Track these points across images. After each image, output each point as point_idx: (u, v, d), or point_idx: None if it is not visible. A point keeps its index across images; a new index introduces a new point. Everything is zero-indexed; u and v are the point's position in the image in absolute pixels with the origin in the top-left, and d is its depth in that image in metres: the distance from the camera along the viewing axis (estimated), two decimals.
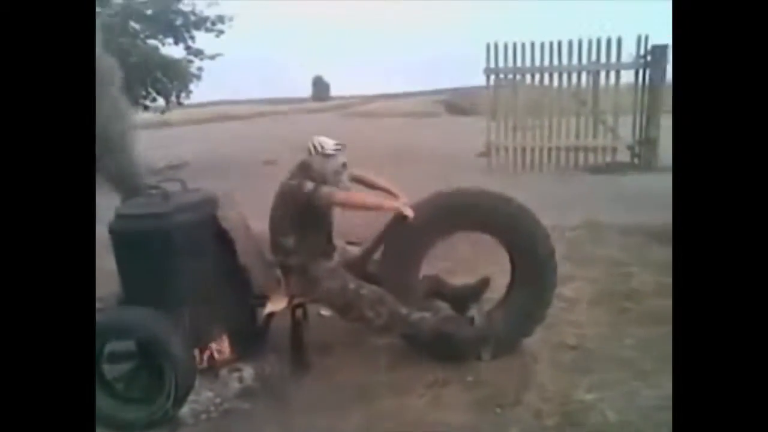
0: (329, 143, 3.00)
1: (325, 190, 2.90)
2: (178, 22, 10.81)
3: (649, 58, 8.63)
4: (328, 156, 2.98)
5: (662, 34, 8.33)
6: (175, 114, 15.25)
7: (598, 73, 8.85)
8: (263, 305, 3.11)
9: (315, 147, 2.99)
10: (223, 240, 3.02)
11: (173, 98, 11.44)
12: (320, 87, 54.90)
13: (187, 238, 2.87)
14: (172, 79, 10.98)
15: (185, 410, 2.68)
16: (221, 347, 3.03)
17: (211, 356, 2.99)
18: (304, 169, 3.02)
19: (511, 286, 3.20)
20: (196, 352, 2.89)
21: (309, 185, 2.90)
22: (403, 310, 2.95)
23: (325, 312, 3.37)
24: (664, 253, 4.63)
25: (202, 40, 11.34)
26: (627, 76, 8.93)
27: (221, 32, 11.37)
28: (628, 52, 8.79)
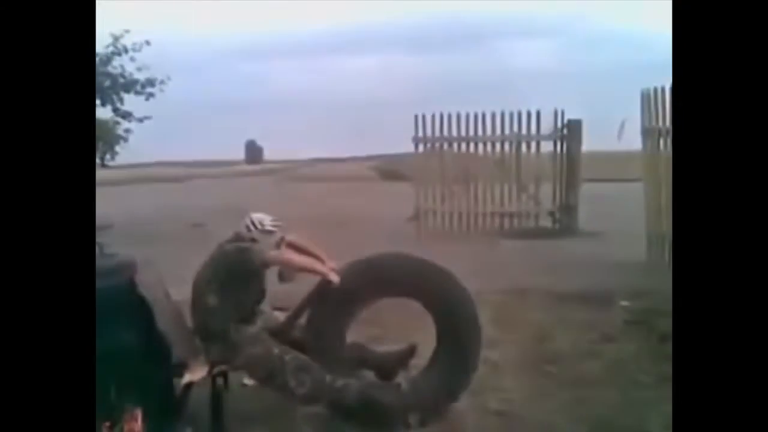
0: (267, 220, 3.06)
1: (259, 248, 2.95)
2: (106, 84, 10.66)
3: (565, 131, 9.23)
4: (264, 232, 3.03)
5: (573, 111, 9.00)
6: (99, 175, 14.77)
7: (519, 143, 9.35)
8: (181, 375, 2.96)
9: (253, 223, 3.03)
10: (139, 307, 2.89)
11: (97, 159, 11.12)
12: (253, 151, 54.90)
13: (100, 305, 2.71)
14: (97, 140, 10.70)
15: None
16: (133, 423, 2.83)
17: None
18: (239, 238, 3.05)
19: (437, 352, 3.20)
20: (104, 427, 2.69)
21: (244, 244, 2.97)
22: (328, 378, 2.89)
23: (248, 381, 3.25)
24: (584, 316, 4.82)
25: (132, 101, 11.21)
26: (547, 147, 9.49)
27: (151, 95, 11.28)
28: (547, 125, 9.36)
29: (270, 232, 3.04)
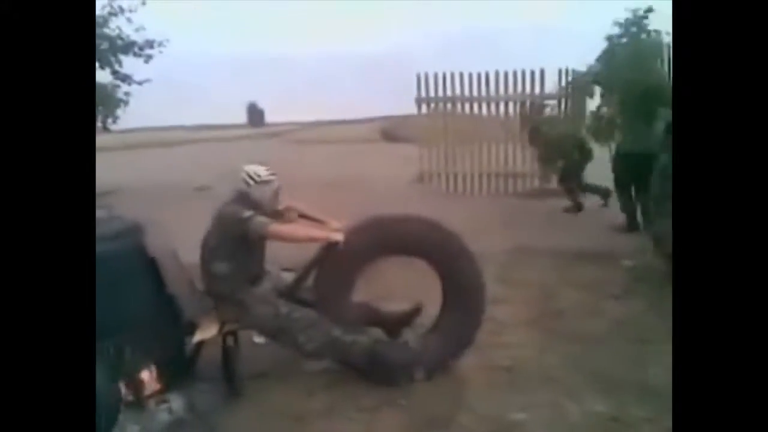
0: (262, 171, 3.08)
1: (260, 220, 2.92)
2: (104, 46, 10.50)
3: (570, 89, 9.09)
4: (262, 183, 3.05)
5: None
6: (101, 140, 14.67)
7: (524, 103, 9.24)
8: (192, 333, 3.02)
9: (249, 176, 3.05)
10: (149, 268, 2.93)
11: (99, 123, 11.05)
12: (255, 114, 54.32)
13: (110, 268, 2.76)
14: (97, 104, 10.61)
15: None
16: (149, 378, 2.91)
17: (138, 388, 2.86)
18: (241, 198, 3.06)
19: (442, 310, 3.25)
20: (122, 384, 2.77)
21: (246, 213, 2.93)
22: (336, 332, 2.94)
23: (259, 339, 3.31)
24: (587, 274, 4.86)
25: (131, 65, 11.05)
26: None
27: (150, 57, 11.12)
28: (553, 83, 9.22)
29: (267, 182, 3.08)
